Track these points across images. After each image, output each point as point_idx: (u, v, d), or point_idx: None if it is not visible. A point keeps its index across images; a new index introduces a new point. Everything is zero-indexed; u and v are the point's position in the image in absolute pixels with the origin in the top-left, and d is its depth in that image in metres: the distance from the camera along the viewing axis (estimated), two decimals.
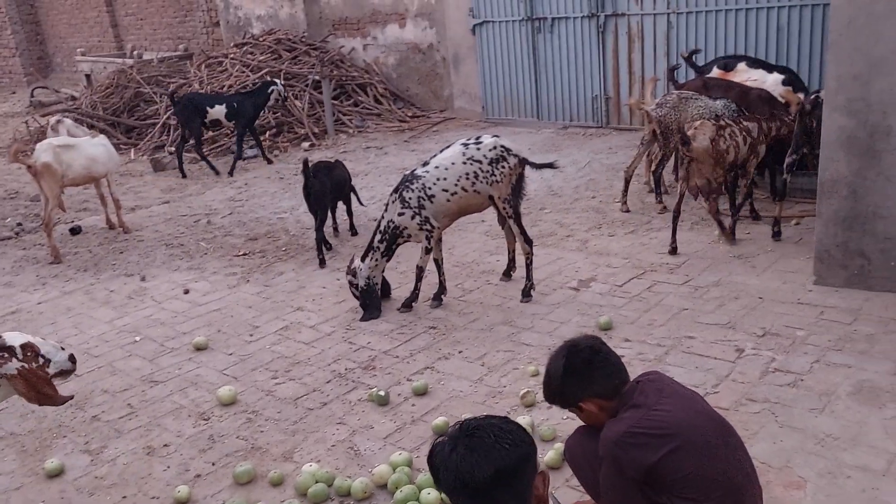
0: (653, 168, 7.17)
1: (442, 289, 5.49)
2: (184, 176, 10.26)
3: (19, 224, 8.37)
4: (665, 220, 6.68)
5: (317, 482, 3.47)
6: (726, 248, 5.90)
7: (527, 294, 5.40)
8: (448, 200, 5.19)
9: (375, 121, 12.19)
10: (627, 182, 7.05)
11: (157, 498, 3.57)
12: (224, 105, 10.29)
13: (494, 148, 5.18)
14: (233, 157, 10.57)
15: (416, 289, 5.43)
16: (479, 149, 5.18)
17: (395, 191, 5.29)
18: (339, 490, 3.46)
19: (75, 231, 7.99)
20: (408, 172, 5.38)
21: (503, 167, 5.18)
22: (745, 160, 5.87)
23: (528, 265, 5.43)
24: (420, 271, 5.39)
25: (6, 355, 3.06)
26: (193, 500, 3.53)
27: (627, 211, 7.01)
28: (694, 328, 4.69)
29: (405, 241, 5.40)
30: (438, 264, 5.49)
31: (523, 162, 5.29)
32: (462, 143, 5.26)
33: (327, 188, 6.62)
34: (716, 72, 7.51)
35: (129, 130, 12.54)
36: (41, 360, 3.14)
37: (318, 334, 5.20)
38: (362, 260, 5.40)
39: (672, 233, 5.93)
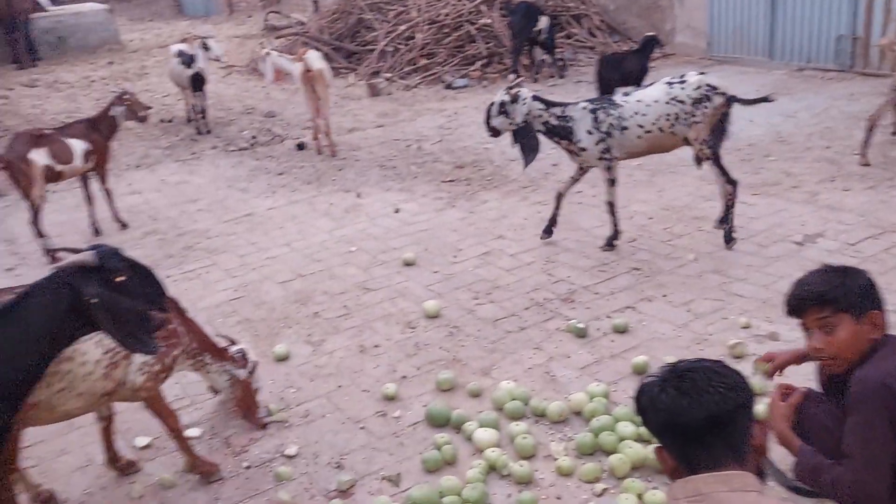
0: None
1: (615, 234, 5.30)
2: (561, 76, 10.87)
3: (254, 137, 9.18)
4: None
5: (513, 399, 3.58)
6: None
7: (729, 238, 5.11)
8: (639, 137, 4.97)
9: (588, 54, 11.84)
10: (870, 132, 6.32)
11: (367, 391, 3.88)
12: (546, 17, 10.63)
13: (699, 87, 4.89)
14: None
15: (614, 225, 5.29)
16: (682, 88, 4.90)
17: (591, 102, 5.09)
18: (534, 410, 3.55)
19: (301, 147, 8.63)
20: (606, 96, 5.20)
21: (706, 107, 4.88)
22: None
23: (730, 207, 5.11)
24: (611, 207, 5.23)
25: (244, 361, 3.53)
26: (399, 399, 3.79)
27: (867, 164, 6.30)
28: None
29: (558, 145, 5.18)
30: (613, 206, 5.26)
31: (731, 100, 4.94)
32: (666, 82, 5.01)
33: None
34: None
35: (349, 55, 13.18)
36: (256, 385, 3.62)
37: (518, 263, 5.27)
38: (533, 98, 5.13)
39: None
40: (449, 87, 11.25)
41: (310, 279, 5.25)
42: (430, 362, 4.10)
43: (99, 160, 6.25)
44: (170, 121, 10.16)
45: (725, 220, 5.43)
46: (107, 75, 13.39)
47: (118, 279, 2.49)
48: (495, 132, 5.21)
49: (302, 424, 3.66)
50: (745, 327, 4.09)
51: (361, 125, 9.60)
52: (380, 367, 4.09)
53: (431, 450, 3.34)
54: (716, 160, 5.05)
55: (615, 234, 5.31)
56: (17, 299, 2.51)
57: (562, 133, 5.09)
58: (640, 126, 4.96)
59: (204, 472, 3.31)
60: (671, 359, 3.11)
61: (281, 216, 6.58)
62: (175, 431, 3.25)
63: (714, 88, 4.90)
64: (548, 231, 5.51)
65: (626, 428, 3.27)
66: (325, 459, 3.41)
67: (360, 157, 8.16)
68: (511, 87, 5.10)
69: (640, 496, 2.95)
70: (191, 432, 3.54)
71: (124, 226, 6.51)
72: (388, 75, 11.94)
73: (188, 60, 9.04)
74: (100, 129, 6.31)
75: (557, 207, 5.45)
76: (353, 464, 3.36)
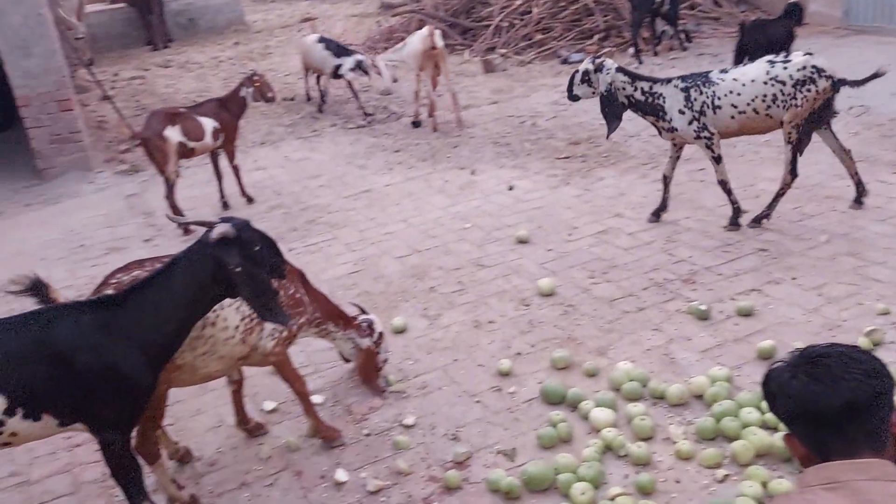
0: None
1: (737, 212, 5.09)
2: (683, 48, 10.49)
3: (371, 115, 9.38)
4: None
5: (631, 380, 3.53)
6: None
7: (757, 221, 5.04)
8: (732, 117, 4.76)
9: (712, 25, 11.32)
10: None
11: (482, 366, 3.94)
12: None
13: (804, 68, 4.60)
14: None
15: (733, 203, 5.09)
16: (785, 68, 4.63)
17: (684, 80, 4.91)
18: (653, 392, 3.49)
19: (416, 124, 8.74)
20: (701, 72, 5.00)
21: (809, 91, 4.59)
22: None
23: (779, 196, 5.00)
24: (723, 185, 5.04)
25: (369, 331, 3.67)
26: (514, 375, 3.82)
27: None
28: None
29: (645, 120, 5.13)
30: (726, 184, 5.05)
31: (838, 84, 4.63)
32: (768, 61, 4.75)
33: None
34: None
35: (464, 31, 13.18)
36: (380, 354, 3.75)
37: (637, 242, 5.16)
38: (617, 70, 5.03)
39: None
40: (564, 61, 11.04)
41: (426, 255, 5.35)
42: (544, 340, 4.10)
43: (227, 138, 6.58)
44: (292, 99, 10.53)
45: (860, 201, 5.13)
46: (233, 55, 14.01)
47: (255, 249, 2.64)
48: (576, 98, 5.29)
49: (419, 396, 3.77)
50: (882, 314, 3.86)
51: (476, 102, 9.60)
52: (494, 342, 4.14)
53: (546, 426, 3.36)
54: (795, 147, 4.79)
55: (737, 213, 5.11)
56: (165, 268, 2.70)
57: (648, 109, 4.99)
58: (734, 106, 4.74)
59: (327, 437, 3.47)
60: (800, 344, 2.98)
61: (398, 192, 6.71)
62: (302, 395, 3.42)
63: (821, 70, 4.60)
64: (656, 214, 5.38)
65: (751, 414, 3.17)
66: (442, 431, 3.49)
67: (474, 134, 8.18)
68: (597, 57, 5.11)
69: (764, 484, 2.86)
70: (314, 399, 3.70)
71: (251, 200, 6.84)
72: (503, 51, 11.85)
73: (335, 49, 9.18)
74: (229, 109, 6.63)
75: (666, 190, 5.32)
76: (469, 436, 3.43)
